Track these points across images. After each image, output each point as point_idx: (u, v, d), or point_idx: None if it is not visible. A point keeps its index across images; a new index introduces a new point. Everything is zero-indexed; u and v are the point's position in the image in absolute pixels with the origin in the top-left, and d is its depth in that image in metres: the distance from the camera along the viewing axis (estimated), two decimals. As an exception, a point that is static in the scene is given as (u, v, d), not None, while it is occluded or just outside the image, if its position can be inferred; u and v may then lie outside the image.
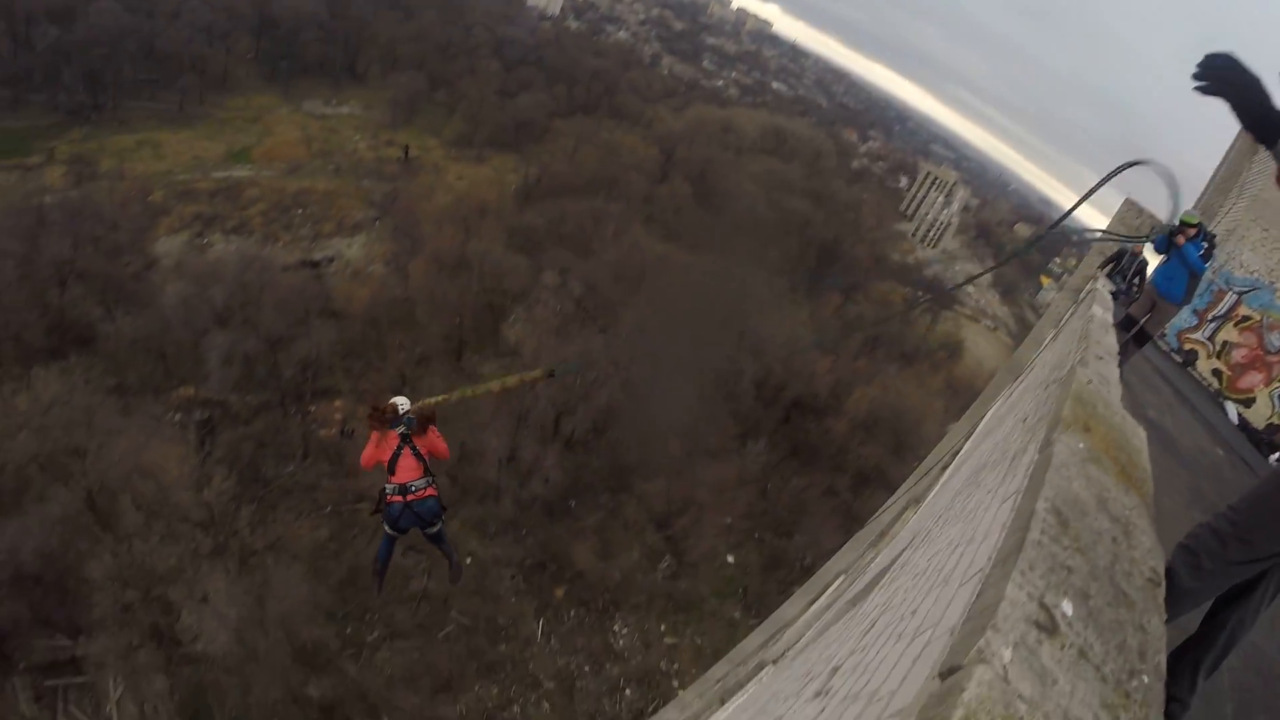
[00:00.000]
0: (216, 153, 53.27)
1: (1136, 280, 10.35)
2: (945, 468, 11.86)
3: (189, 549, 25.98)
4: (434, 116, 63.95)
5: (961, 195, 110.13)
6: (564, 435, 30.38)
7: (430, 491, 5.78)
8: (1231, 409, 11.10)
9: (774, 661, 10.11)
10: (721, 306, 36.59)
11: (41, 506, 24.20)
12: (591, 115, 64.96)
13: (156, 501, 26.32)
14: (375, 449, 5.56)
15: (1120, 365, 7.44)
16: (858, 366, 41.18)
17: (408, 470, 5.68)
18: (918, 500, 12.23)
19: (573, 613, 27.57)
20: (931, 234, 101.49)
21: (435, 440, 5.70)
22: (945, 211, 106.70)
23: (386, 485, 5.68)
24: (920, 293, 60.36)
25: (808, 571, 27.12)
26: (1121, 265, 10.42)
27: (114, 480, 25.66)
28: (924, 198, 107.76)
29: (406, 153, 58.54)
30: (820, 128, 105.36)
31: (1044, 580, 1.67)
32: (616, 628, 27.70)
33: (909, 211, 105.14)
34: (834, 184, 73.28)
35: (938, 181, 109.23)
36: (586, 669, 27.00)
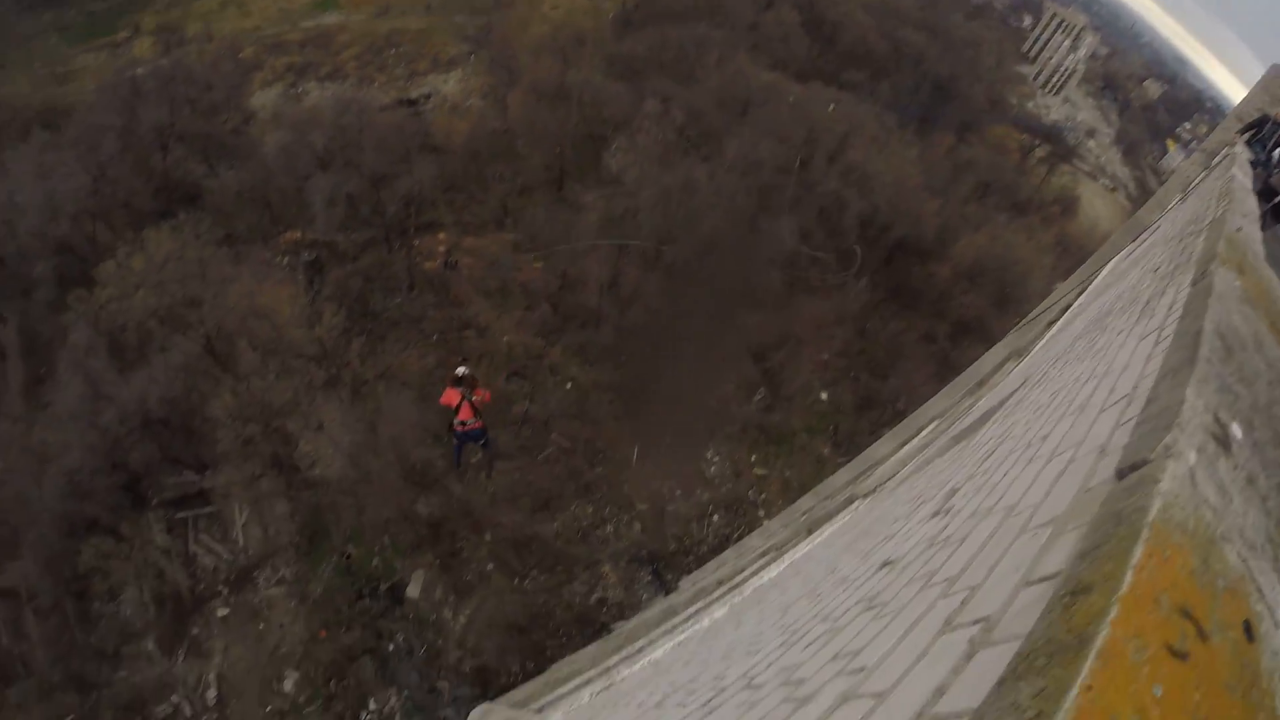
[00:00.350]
0: (302, 3, 51.78)
1: (1277, 152, 9.42)
2: (1052, 323, 11.04)
3: (304, 382, 27.57)
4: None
5: (1090, 42, 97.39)
6: (665, 263, 29.99)
7: (478, 425, 11.28)
8: None
9: (865, 496, 10.05)
10: (829, 139, 34.45)
11: (164, 357, 25.81)
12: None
13: (271, 341, 27.67)
14: (448, 398, 10.92)
15: None
16: (967, 212, 38.70)
17: (465, 413, 10.94)
18: (1020, 353, 11.68)
19: (668, 439, 28.41)
20: (1054, 80, 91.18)
21: (483, 394, 11.10)
22: (1071, 58, 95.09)
23: (454, 420, 11.13)
24: (1038, 141, 55.58)
25: (899, 415, 26.99)
26: (1263, 134, 9.55)
27: (230, 325, 27.00)
28: (1048, 40, 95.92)
29: (499, -16, 54.82)
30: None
31: (1216, 397, 1.60)
32: (709, 455, 28.52)
33: (1031, 54, 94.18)
34: (952, 18, 65.94)
35: (1064, 24, 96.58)
36: (678, 493, 28.13)
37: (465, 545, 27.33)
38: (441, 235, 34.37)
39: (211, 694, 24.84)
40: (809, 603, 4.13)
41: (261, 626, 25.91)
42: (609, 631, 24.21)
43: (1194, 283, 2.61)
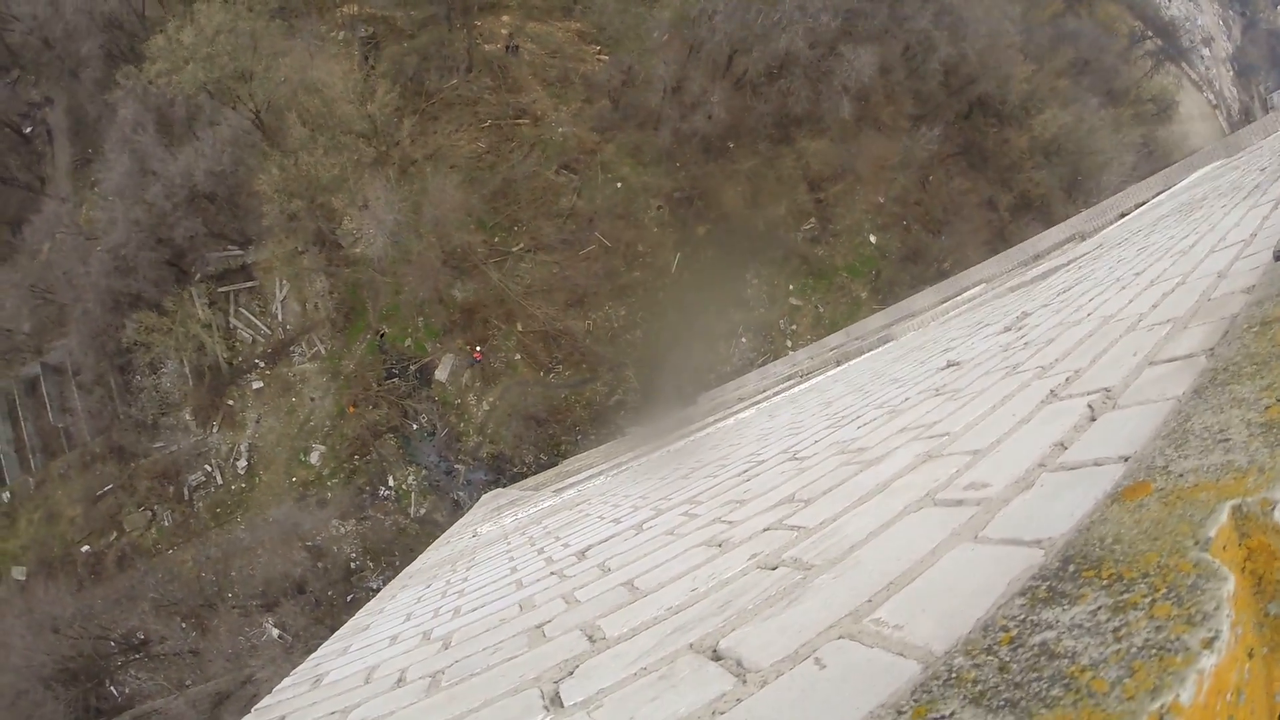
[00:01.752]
0: None
1: None
2: (1124, 215, 10.76)
3: (352, 159, 27.11)
4: None
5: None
6: (735, 74, 28.60)
7: None
8: None
9: (907, 332, 9.89)
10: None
11: (212, 131, 25.39)
12: None
13: (322, 116, 27.12)
14: None
15: None
16: (1058, 86, 36.22)
17: None
18: (1084, 236, 11.23)
19: (710, 253, 28.22)
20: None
21: None
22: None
23: None
24: (1150, 33, 51.02)
25: (943, 275, 26.54)
26: None
27: (281, 99, 26.31)
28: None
29: None
30: None
31: None
32: (748, 276, 28.40)
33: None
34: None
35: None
36: (711, 309, 28.28)
37: (496, 333, 27.88)
38: (505, 17, 32.70)
39: (242, 463, 26.37)
40: (857, 397, 4.14)
41: (294, 400, 27.11)
42: (623, 435, 25.08)
43: None
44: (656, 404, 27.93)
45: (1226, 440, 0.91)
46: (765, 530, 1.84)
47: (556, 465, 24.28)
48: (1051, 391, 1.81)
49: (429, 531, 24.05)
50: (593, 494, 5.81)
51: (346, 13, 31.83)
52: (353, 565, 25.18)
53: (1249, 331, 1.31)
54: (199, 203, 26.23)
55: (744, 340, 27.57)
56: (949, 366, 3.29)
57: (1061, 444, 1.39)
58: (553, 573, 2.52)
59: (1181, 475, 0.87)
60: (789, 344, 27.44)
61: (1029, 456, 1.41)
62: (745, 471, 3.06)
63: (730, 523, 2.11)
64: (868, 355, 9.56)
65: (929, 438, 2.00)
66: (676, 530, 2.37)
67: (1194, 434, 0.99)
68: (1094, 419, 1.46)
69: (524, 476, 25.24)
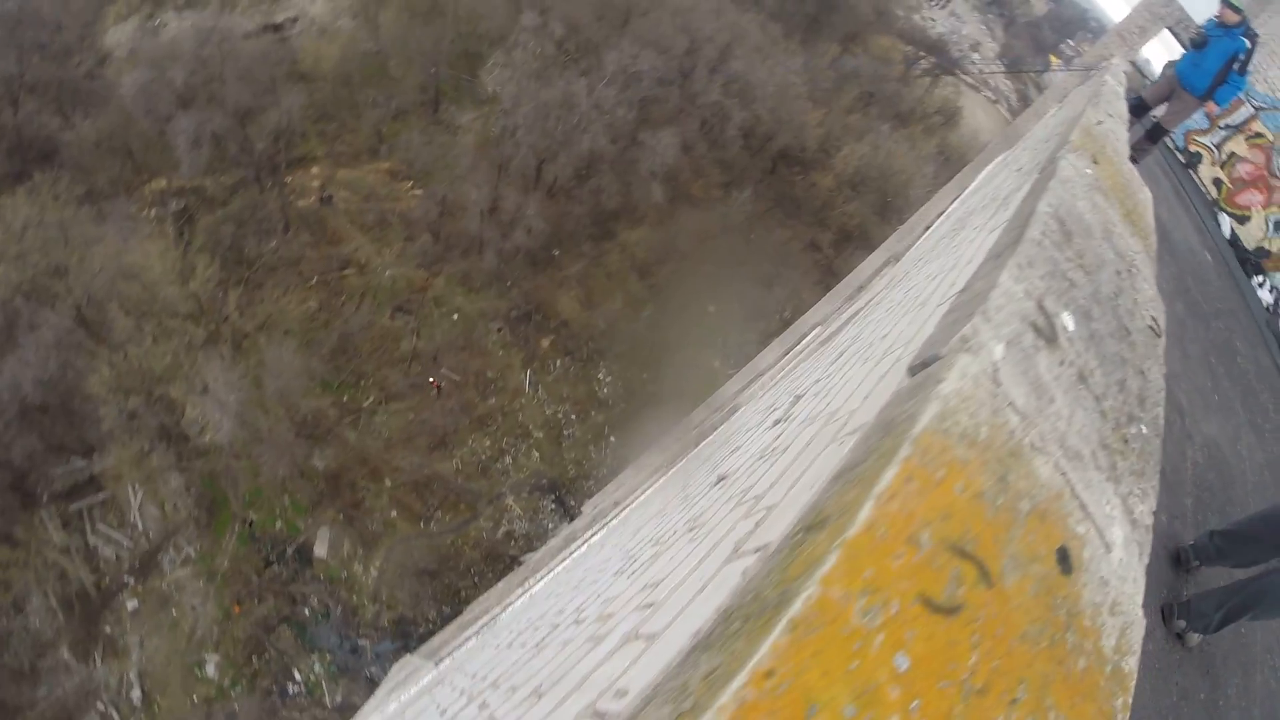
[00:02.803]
0: None
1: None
2: (929, 228, 11.46)
3: (183, 343, 26.10)
4: None
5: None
6: (546, 183, 29.14)
7: None
8: (1226, 221, 10.82)
9: (748, 405, 10.02)
10: (711, 49, 33.79)
11: (34, 335, 23.84)
12: None
13: (145, 302, 26.10)
14: None
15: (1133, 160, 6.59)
16: (850, 122, 39.05)
17: None
18: (897, 257, 11.87)
19: (559, 362, 28.19)
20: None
21: None
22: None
23: None
24: (923, 53, 56.43)
25: (787, 324, 27.39)
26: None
27: (100, 290, 25.24)
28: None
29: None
30: None
31: (1044, 283, 1.44)
32: (601, 376, 28.45)
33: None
34: (838, -72, 65.22)
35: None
36: (573, 417, 28.16)
37: (366, 494, 26.82)
38: (315, 169, 32.69)
39: (136, 693, 24.12)
40: (655, 523, 3.84)
41: (174, 612, 25.16)
42: (519, 565, 24.26)
43: (1043, 169, 2.40)
44: (543, 524, 27.35)
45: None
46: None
47: (461, 614, 23.21)
48: (735, 546, 1.52)
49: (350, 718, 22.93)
50: (450, 670, 5.27)
51: (155, 189, 31.28)
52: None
53: (789, 543, 0.94)
54: (32, 416, 24.19)
55: (613, 439, 27.38)
56: (719, 482, 2.90)
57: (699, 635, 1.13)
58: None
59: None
60: (657, 428, 27.40)
61: (675, 648, 1.18)
62: (541, 641, 2.79)
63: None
64: (713, 436, 9.27)
65: (644, 606, 1.73)
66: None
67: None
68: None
69: (433, 633, 24.22)
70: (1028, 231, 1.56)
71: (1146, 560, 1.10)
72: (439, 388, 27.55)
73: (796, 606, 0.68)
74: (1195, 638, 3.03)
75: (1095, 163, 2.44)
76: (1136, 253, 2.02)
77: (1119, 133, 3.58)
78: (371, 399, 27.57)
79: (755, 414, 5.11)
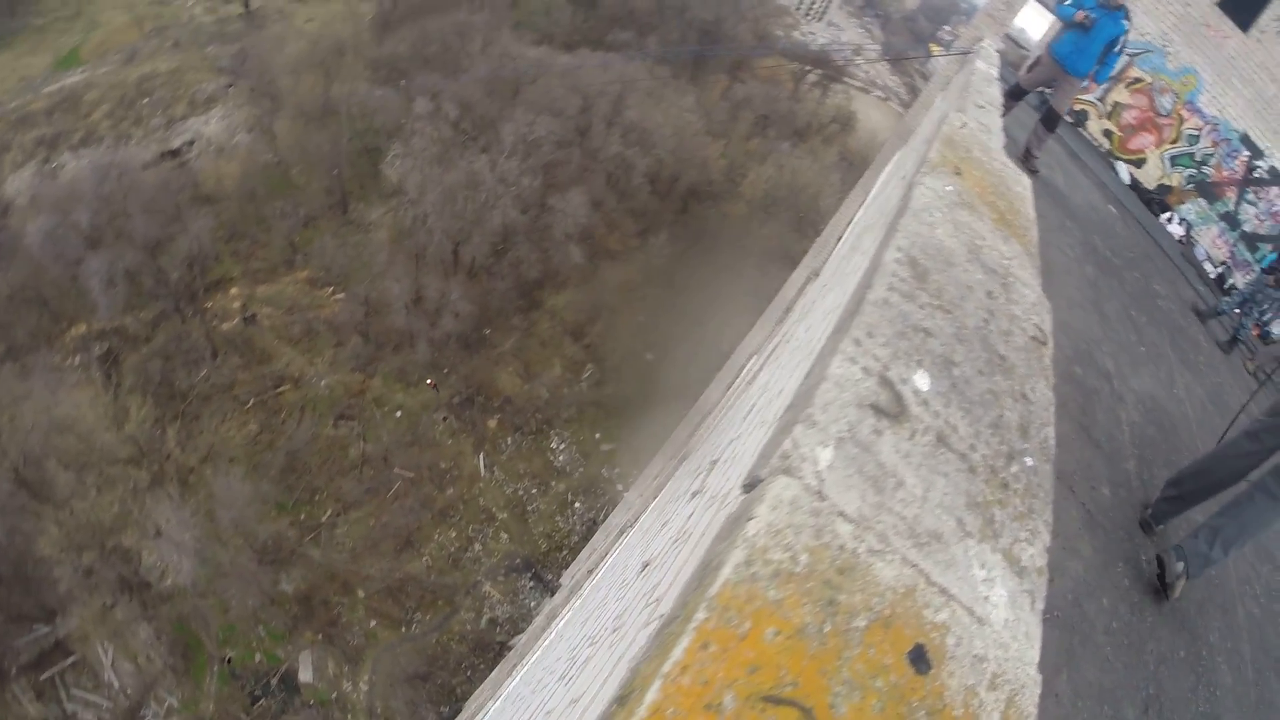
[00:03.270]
0: (43, 65, 45.38)
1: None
2: (840, 238, 11.81)
3: (128, 489, 25.60)
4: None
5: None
6: (465, 264, 29.28)
7: None
8: (1123, 169, 11.10)
9: (685, 463, 10.01)
10: (604, 103, 34.66)
11: None
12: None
13: (82, 453, 25.60)
14: None
15: (1032, 157, 7.01)
16: (750, 148, 40.27)
17: None
18: (817, 272, 12.11)
19: (509, 440, 28.05)
20: (816, 6, 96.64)
21: None
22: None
23: None
24: (808, 67, 58.60)
25: (726, 356, 27.71)
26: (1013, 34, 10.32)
27: (35, 448, 24.67)
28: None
29: (247, 4, 50.82)
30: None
31: (888, 350, 1.37)
32: (554, 445, 28.38)
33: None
34: (707, -37, 67.80)
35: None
36: (534, 491, 27.98)
37: (341, 610, 26.09)
38: (233, 290, 32.27)
39: None
40: (598, 614, 3.34)
41: None
42: (509, 649, 23.75)
43: (902, 197, 2.30)
44: (525, 603, 26.93)
45: None
46: None
47: (460, 714, 22.56)
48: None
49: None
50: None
51: (75, 335, 30.37)
52: None
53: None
54: (-15, 590, 23.22)
55: (577, 505, 27.27)
56: (643, 570, 2.49)
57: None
58: None
59: None
60: (619, 488, 27.38)
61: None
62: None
63: None
64: (667, 488, 9.10)
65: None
66: None
67: None
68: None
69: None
70: (869, 294, 1.51)
71: (1042, 606, 1.07)
72: (437, 387, 26.91)
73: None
74: (1181, 585, 2.86)
75: (958, 174, 2.41)
76: (1012, 258, 2.00)
77: (990, 123, 3.49)
78: (329, 512, 26.99)
79: (685, 477, 4.62)
